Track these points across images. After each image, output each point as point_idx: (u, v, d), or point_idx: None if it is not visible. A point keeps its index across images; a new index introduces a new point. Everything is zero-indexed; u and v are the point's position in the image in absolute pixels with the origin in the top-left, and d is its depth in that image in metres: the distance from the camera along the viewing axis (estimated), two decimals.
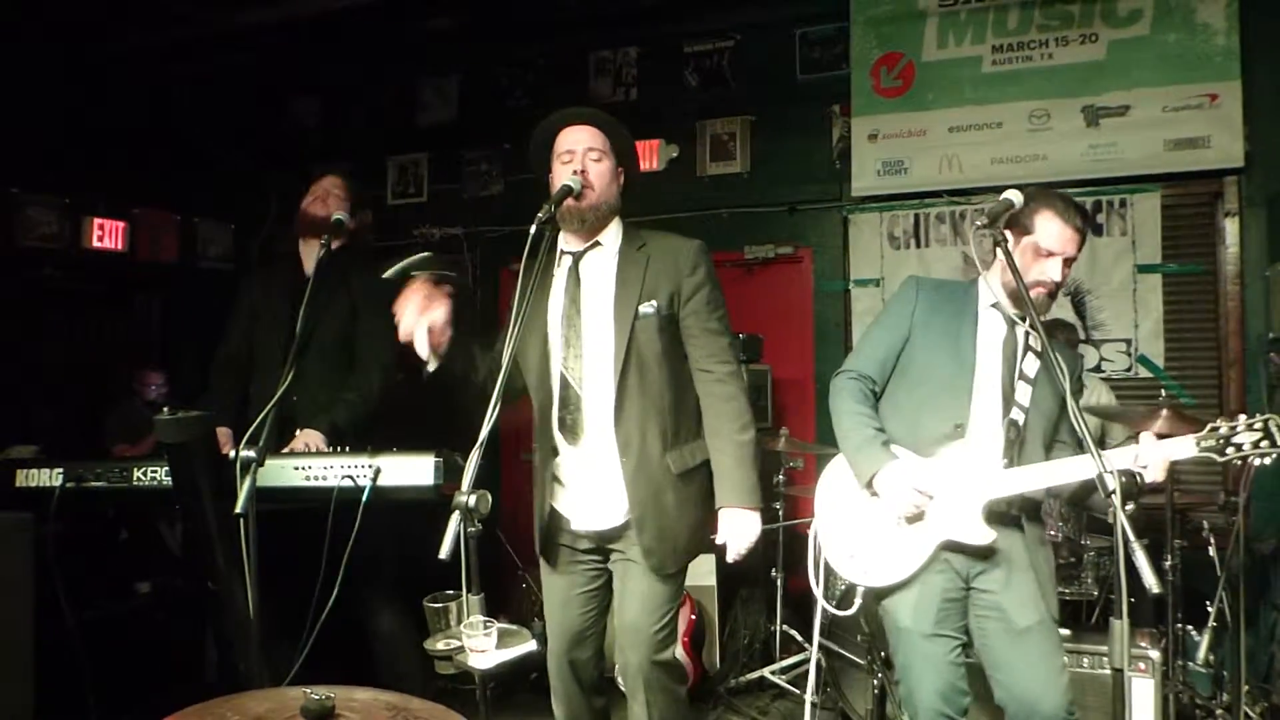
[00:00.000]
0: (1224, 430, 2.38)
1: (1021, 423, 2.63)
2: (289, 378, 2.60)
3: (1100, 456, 2.11)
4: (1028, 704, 2.54)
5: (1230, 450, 2.37)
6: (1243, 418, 2.37)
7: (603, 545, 2.79)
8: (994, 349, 2.69)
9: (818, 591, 3.20)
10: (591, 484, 2.72)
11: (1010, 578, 2.61)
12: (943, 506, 2.61)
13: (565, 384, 2.72)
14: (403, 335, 2.54)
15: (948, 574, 2.64)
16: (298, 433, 3.36)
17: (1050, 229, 2.60)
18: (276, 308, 3.52)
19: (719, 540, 2.71)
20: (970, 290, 2.79)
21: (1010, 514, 2.65)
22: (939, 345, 2.71)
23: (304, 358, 3.27)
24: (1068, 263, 2.64)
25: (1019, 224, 2.65)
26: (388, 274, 3.60)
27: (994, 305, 2.72)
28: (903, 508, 2.62)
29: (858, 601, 3.18)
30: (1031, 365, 2.67)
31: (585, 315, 2.71)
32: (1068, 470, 2.50)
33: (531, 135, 2.86)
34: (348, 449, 3.17)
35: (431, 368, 2.61)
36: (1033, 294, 2.57)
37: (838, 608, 3.33)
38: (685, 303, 2.72)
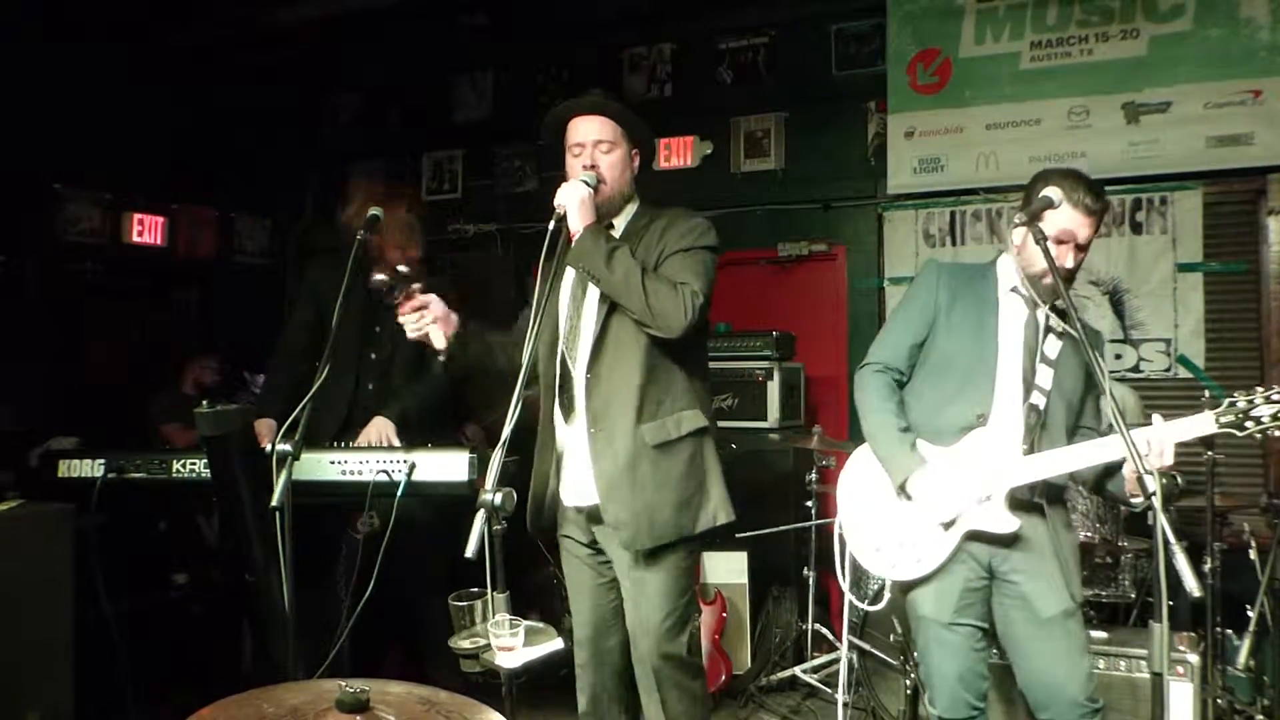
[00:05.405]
0: (1242, 404, 2.33)
1: (1042, 407, 2.59)
2: (324, 374, 2.63)
3: (1134, 446, 2.06)
4: (1049, 692, 2.53)
5: (1250, 424, 2.31)
6: (1260, 389, 2.31)
7: (595, 537, 2.76)
8: (1015, 333, 2.65)
9: (845, 586, 3.19)
10: (580, 461, 2.71)
11: (1034, 566, 2.59)
12: (966, 497, 2.59)
13: (564, 363, 2.73)
14: (412, 335, 2.71)
15: (969, 564, 2.63)
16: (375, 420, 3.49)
17: (1058, 214, 2.53)
18: (352, 309, 3.54)
19: None
20: (990, 273, 2.75)
21: (1033, 500, 2.61)
22: (962, 332, 2.68)
23: (379, 353, 3.66)
24: (1080, 248, 2.55)
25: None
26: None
27: (1013, 289, 2.68)
28: (940, 514, 2.61)
29: (887, 596, 3.16)
30: (1053, 347, 2.63)
31: (587, 298, 2.71)
32: (1088, 454, 2.46)
33: (542, 128, 2.88)
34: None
35: (443, 357, 2.75)
36: (1045, 281, 2.53)
37: (870, 603, 3.31)
38: (664, 259, 2.65)
